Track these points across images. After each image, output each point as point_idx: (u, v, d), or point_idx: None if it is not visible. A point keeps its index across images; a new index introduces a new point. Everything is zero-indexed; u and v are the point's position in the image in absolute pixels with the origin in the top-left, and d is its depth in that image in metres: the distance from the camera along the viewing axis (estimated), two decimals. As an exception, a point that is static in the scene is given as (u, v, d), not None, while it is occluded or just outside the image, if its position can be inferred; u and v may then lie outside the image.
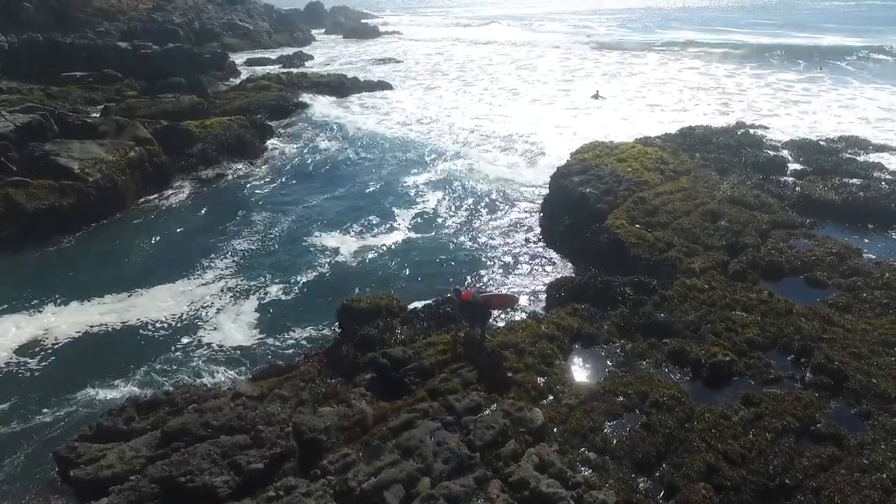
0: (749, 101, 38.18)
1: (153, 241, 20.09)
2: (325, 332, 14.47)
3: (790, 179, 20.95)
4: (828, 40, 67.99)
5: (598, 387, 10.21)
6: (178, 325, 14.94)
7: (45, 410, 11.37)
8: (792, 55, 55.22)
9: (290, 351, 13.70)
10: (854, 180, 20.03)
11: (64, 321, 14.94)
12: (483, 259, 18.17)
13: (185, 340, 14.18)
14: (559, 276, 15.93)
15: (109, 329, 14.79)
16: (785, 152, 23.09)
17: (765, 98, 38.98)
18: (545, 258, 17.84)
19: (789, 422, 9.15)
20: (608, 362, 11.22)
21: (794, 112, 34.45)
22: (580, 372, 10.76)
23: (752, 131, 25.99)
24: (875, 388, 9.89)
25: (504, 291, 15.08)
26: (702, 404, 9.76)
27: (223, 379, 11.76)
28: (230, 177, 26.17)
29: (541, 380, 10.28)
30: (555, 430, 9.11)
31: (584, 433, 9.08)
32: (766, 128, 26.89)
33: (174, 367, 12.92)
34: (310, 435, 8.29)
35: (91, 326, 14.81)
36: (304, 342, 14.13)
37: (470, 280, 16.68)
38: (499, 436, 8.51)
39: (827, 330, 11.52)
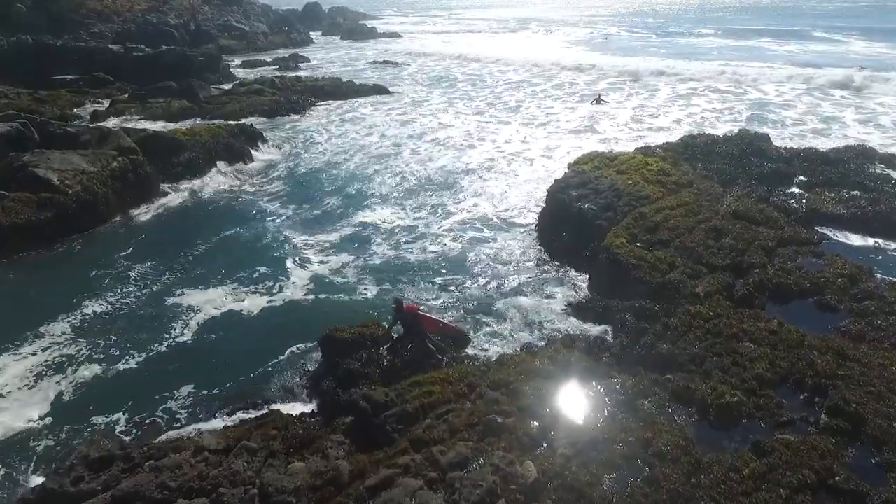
0: (790, 114, 35.97)
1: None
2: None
3: (796, 191, 20.21)
4: (858, 46, 66.62)
5: (597, 432, 9.43)
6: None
7: None
8: (825, 58, 53.05)
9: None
10: (862, 192, 19.28)
11: None
12: (470, 280, 16.94)
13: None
14: (555, 300, 15.15)
15: None
16: (790, 163, 22.26)
17: (799, 106, 37.33)
18: (540, 279, 16.78)
19: (805, 475, 8.36)
20: (607, 400, 10.43)
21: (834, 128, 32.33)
22: (577, 414, 9.96)
23: (755, 140, 25.15)
24: (897, 435, 9.11)
25: (454, 324, 13.92)
26: (709, 453, 8.97)
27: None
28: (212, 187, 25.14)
29: (534, 424, 9.50)
30: (549, 485, 8.32)
31: (581, 488, 8.29)
32: (768, 136, 26.00)
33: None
34: (278, 497, 7.51)
35: None
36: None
37: (450, 300, 15.70)
38: (487, 496, 7.73)
39: (842, 365, 10.72)
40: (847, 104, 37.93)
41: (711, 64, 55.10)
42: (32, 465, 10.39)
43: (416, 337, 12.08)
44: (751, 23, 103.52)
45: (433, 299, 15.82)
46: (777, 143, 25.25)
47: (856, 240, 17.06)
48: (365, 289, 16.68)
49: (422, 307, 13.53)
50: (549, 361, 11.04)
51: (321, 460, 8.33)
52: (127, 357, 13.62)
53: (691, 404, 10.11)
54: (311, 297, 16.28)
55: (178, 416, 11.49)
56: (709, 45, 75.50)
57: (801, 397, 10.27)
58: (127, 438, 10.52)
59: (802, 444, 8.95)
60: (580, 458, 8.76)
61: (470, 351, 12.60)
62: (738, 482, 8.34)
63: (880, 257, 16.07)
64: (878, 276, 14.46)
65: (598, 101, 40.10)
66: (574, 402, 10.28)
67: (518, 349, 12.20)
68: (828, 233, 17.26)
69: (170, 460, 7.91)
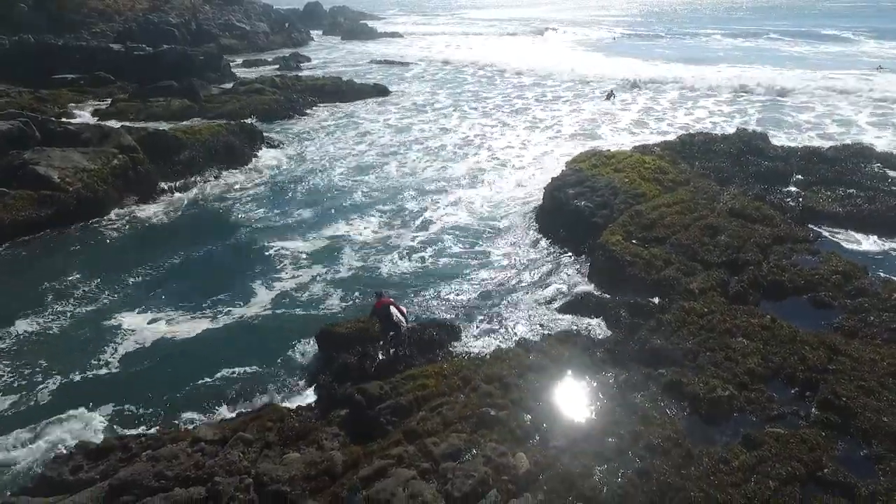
0: (806, 117, 35.08)
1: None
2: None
3: (793, 189, 20.34)
4: (868, 46, 66.51)
5: (589, 425, 9.54)
6: None
7: None
8: (839, 57, 52.27)
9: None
10: (858, 191, 19.37)
11: None
12: (463, 280, 16.60)
13: None
14: (550, 296, 15.22)
15: None
16: (787, 161, 22.35)
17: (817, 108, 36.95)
18: (535, 275, 16.72)
19: (794, 468, 8.46)
20: (600, 394, 10.53)
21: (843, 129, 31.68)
22: (570, 408, 10.06)
23: (753, 139, 25.24)
24: (886, 428, 9.19)
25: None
26: (700, 445, 9.08)
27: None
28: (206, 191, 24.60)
29: (527, 417, 9.60)
30: (540, 476, 8.42)
31: (573, 480, 8.39)
32: (765, 135, 26.06)
33: None
34: (273, 486, 7.63)
35: None
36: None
37: (442, 298, 15.56)
38: (479, 486, 7.83)
39: (833, 360, 10.83)
40: (864, 105, 37.43)
41: (722, 65, 54.63)
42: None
43: (391, 329, 12.19)
44: (762, 23, 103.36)
45: (425, 298, 15.61)
46: (790, 146, 25.16)
47: (851, 237, 17.19)
48: (356, 292, 16.17)
49: (389, 298, 12.96)
50: (543, 356, 11.14)
51: (316, 451, 8.44)
52: (104, 367, 12.87)
53: (683, 398, 10.20)
54: (277, 309, 15.43)
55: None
56: (719, 46, 74.98)
57: (793, 391, 10.37)
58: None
59: (792, 436, 9.06)
60: (572, 451, 8.86)
61: (465, 346, 12.69)
62: (728, 474, 8.44)
63: (877, 255, 16.18)
64: (881, 274, 14.57)
65: (611, 96, 41.19)
66: (567, 395, 10.39)
67: (513, 344, 12.29)
68: (824, 231, 17.38)
69: (167, 450, 8.04)
